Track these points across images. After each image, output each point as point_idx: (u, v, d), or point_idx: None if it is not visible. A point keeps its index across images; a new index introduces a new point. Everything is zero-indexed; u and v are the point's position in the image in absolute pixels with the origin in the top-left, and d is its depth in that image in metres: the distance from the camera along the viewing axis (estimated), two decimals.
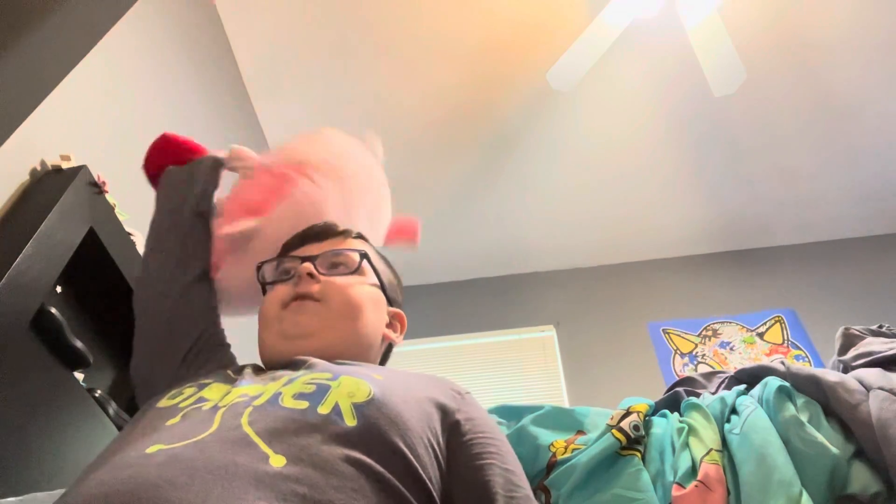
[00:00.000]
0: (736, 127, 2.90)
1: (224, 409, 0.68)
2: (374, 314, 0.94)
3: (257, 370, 0.84)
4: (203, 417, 0.67)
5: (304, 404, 0.67)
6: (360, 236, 1.01)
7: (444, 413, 0.77)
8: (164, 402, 0.75)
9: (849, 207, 3.27)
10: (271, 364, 0.86)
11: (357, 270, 0.94)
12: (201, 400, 0.72)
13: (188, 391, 0.76)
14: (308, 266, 0.91)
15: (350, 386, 0.71)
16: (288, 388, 0.71)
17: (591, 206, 3.25)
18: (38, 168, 1.40)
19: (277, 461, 0.60)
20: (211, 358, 0.91)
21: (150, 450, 0.61)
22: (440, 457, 0.72)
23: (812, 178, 3.11)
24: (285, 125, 2.76)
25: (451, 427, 0.76)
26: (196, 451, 0.60)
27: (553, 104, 2.77)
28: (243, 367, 0.86)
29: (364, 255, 0.96)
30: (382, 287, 0.97)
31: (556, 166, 3.05)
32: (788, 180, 3.13)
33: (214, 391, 0.74)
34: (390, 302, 0.99)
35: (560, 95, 2.67)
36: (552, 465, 0.93)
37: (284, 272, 0.95)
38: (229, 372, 0.82)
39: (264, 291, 0.96)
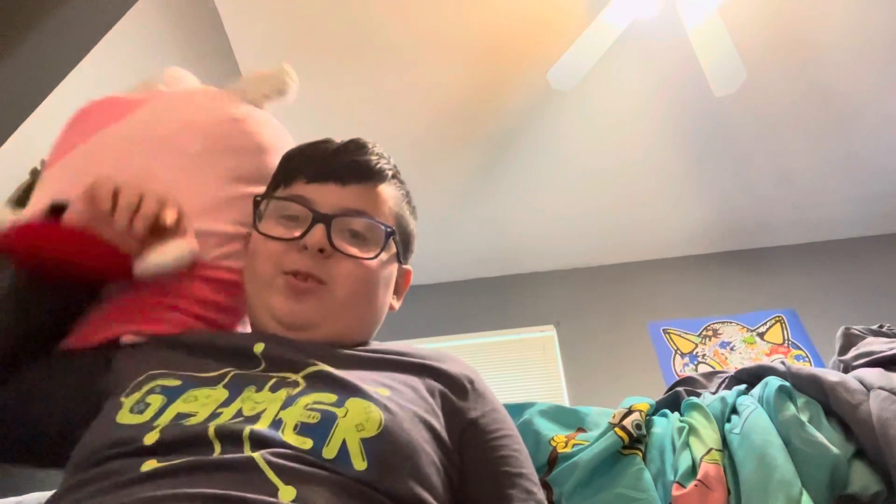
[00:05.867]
0: (736, 127, 2.90)
1: (215, 428, 0.61)
2: (384, 296, 0.83)
3: (244, 359, 0.72)
4: (197, 439, 0.60)
5: (307, 443, 0.60)
6: (395, 176, 0.86)
7: (455, 414, 0.73)
8: (125, 418, 0.64)
9: (849, 207, 3.27)
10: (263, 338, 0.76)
11: (380, 251, 0.79)
12: (183, 416, 0.63)
13: (154, 400, 0.65)
14: (320, 239, 0.75)
15: (358, 415, 0.63)
16: (288, 414, 0.62)
17: (591, 206, 3.25)
18: (39, 168, 1.40)
19: (287, 494, 0.55)
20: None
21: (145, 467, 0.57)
22: (451, 469, 0.70)
23: (812, 177, 3.11)
24: (285, 124, 2.75)
25: (464, 428, 0.73)
26: (201, 478, 0.55)
27: (553, 104, 2.77)
28: (221, 349, 0.73)
29: (391, 234, 0.81)
30: (399, 256, 0.85)
31: (557, 166, 3.05)
32: (789, 180, 3.13)
33: (198, 401, 0.64)
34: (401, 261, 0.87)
35: (560, 95, 2.67)
36: (553, 460, 0.93)
37: (290, 217, 0.79)
38: (211, 361, 0.71)
39: (254, 221, 0.82)
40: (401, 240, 0.85)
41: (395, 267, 0.85)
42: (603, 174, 3.09)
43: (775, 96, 2.77)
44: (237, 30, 2.55)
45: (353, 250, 0.78)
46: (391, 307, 0.86)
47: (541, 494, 0.74)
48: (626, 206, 3.25)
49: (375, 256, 0.79)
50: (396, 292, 0.87)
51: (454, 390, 0.75)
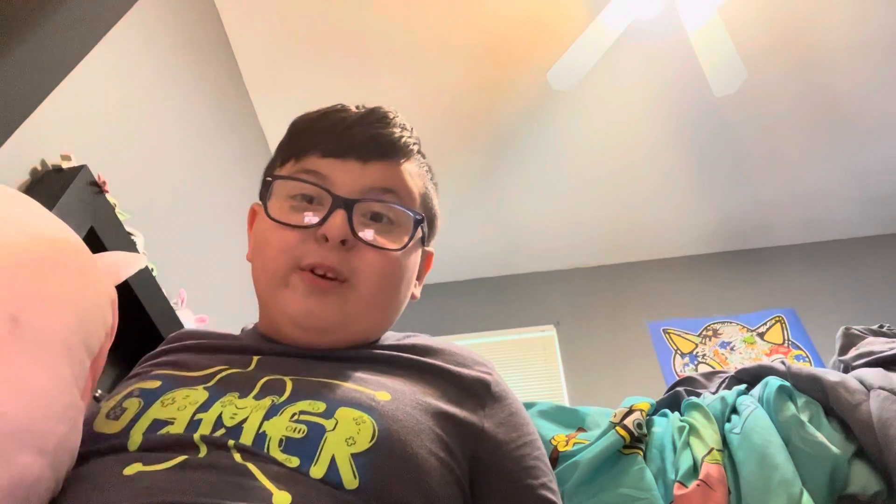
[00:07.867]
0: (736, 127, 2.90)
1: (198, 437, 0.56)
2: (408, 287, 0.75)
3: (228, 357, 0.68)
4: (181, 443, 0.56)
5: (294, 461, 0.54)
6: (419, 150, 0.78)
7: (469, 425, 0.66)
8: (101, 426, 0.59)
9: (849, 207, 3.27)
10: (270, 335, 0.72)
11: (409, 241, 0.71)
12: (160, 424, 0.58)
13: (131, 404, 0.60)
14: (342, 229, 0.67)
15: (348, 427, 0.56)
16: (272, 426, 0.57)
17: (591, 206, 3.25)
18: (39, 168, 1.40)
19: (282, 500, 0.51)
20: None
21: (128, 471, 0.53)
22: (465, 482, 0.64)
23: (812, 177, 3.11)
24: (285, 124, 2.75)
25: (479, 439, 0.66)
26: (185, 481, 0.51)
27: (554, 104, 2.77)
28: (219, 348, 0.70)
29: (420, 221, 0.72)
30: (423, 239, 0.77)
31: (557, 166, 3.05)
32: (789, 180, 3.13)
33: (175, 403, 0.59)
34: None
35: (561, 95, 2.67)
36: (554, 460, 0.93)
37: (304, 197, 0.71)
38: (190, 357, 0.68)
39: (263, 199, 0.73)
40: (426, 222, 0.76)
41: (419, 252, 0.77)
42: (603, 174, 3.10)
43: (775, 96, 2.77)
44: (237, 30, 2.55)
45: (379, 240, 0.69)
46: (412, 296, 0.78)
47: (560, 501, 0.70)
48: (626, 206, 3.25)
49: (403, 247, 0.71)
50: (418, 278, 0.79)
51: (468, 397, 0.68)
